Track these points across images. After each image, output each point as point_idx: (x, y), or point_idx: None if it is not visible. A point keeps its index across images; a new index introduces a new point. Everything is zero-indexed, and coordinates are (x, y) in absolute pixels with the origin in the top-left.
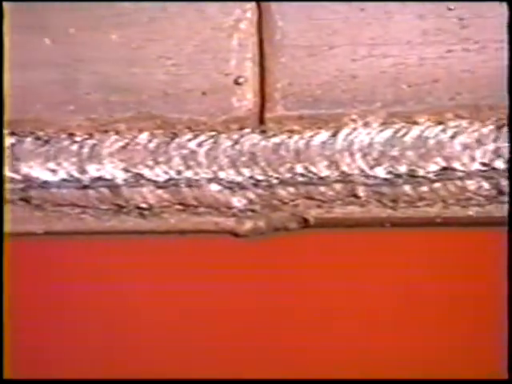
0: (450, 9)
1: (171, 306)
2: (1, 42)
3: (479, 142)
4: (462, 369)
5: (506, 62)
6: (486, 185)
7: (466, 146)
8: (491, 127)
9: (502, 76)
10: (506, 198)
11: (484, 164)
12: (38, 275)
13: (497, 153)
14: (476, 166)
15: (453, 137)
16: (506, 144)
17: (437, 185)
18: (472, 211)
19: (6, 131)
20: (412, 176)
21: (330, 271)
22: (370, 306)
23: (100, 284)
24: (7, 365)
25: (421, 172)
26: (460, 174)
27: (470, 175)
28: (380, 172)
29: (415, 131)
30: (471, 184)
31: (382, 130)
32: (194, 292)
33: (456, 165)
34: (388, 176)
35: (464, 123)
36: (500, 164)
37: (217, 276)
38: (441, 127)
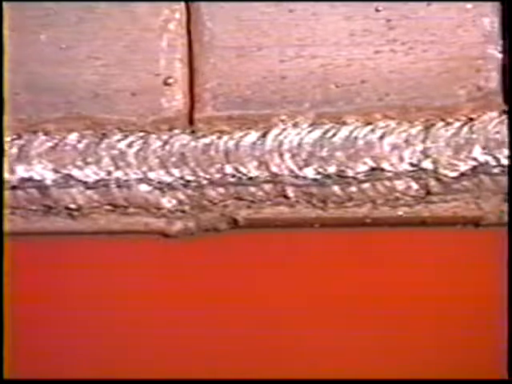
0: (377, 10)
1: (102, 307)
2: (1, 41)
3: (407, 142)
4: (461, 369)
5: (433, 63)
6: (414, 185)
7: (394, 147)
8: (419, 128)
9: (429, 77)
10: (434, 198)
11: (412, 164)
12: (37, 275)
13: (425, 153)
14: (404, 167)
15: (381, 137)
16: (434, 144)
17: (365, 185)
18: (401, 211)
19: None
20: (341, 176)
21: (259, 271)
22: (300, 306)
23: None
24: (7, 365)
25: (350, 172)
26: (389, 174)
27: (398, 175)
28: (309, 172)
29: (344, 132)
30: (400, 184)
31: (311, 131)
32: (124, 293)
33: (385, 165)
34: (317, 176)
35: (392, 124)
36: (428, 164)
37: (146, 276)
38: (369, 128)
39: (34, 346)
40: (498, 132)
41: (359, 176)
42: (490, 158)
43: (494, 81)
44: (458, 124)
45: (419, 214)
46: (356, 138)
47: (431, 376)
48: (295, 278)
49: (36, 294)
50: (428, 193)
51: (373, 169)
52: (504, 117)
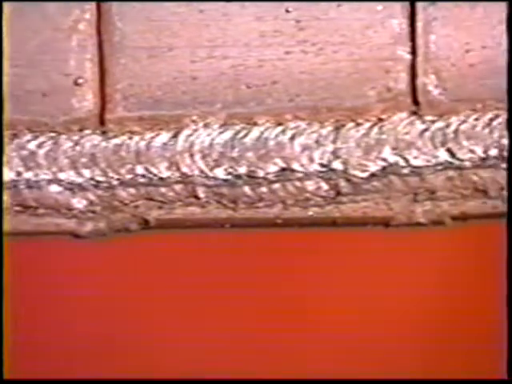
0: (287, 11)
1: (16, 309)
2: (0, 42)
3: (318, 143)
4: (461, 369)
5: (343, 64)
6: (324, 185)
7: (305, 147)
8: (330, 128)
9: (339, 78)
10: (344, 199)
11: (323, 165)
12: (37, 275)
13: (335, 154)
14: (315, 167)
15: (292, 138)
16: (345, 145)
17: (276, 186)
18: (311, 212)
19: None
20: (251, 177)
21: (171, 272)
22: (211, 306)
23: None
24: (7, 365)
25: (260, 173)
26: (299, 174)
27: (308, 176)
28: (220, 173)
29: (255, 132)
30: (310, 185)
31: (222, 132)
32: (36, 295)
33: (295, 166)
34: (228, 177)
35: (303, 124)
36: (338, 165)
37: (57, 277)
38: (280, 128)
39: (34, 346)
40: (407, 133)
41: (270, 176)
42: (399, 159)
43: (403, 82)
44: (368, 125)
45: (329, 215)
46: (267, 138)
47: (431, 376)
48: (206, 278)
49: (36, 294)
50: (338, 193)
51: (283, 169)
52: (413, 117)
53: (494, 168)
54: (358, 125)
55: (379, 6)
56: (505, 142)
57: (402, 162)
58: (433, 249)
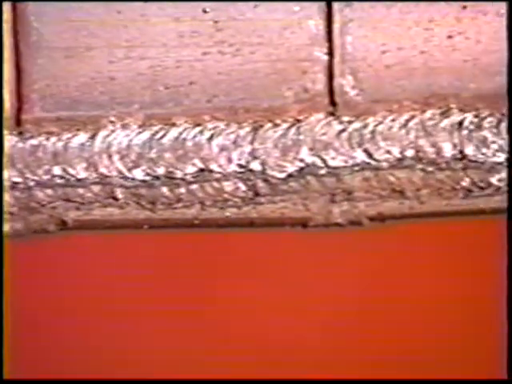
0: (205, 11)
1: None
2: (0, 41)
3: (236, 143)
4: (461, 369)
5: (260, 65)
6: (242, 186)
7: (223, 148)
8: (248, 129)
9: (257, 78)
10: (262, 199)
11: (241, 166)
12: (37, 274)
13: (253, 154)
14: (233, 168)
15: (210, 139)
16: (262, 146)
17: (194, 186)
18: (229, 212)
19: None
20: (170, 178)
21: (89, 272)
22: (126, 308)
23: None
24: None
25: (178, 174)
26: (217, 175)
27: (226, 177)
28: (138, 174)
29: (173, 133)
30: (228, 185)
31: (140, 132)
32: None
33: (213, 166)
34: (146, 178)
35: (221, 125)
36: (256, 165)
37: None
38: (198, 129)
39: (33, 345)
40: (324, 133)
41: (188, 177)
42: (316, 160)
43: (320, 83)
44: (285, 125)
45: (247, 215)
46: (185, 139)
47: (431, 376)
48: (126, 278)
49: (36, 294)
50: (256, 194)
51: (201, 170)
52: (331, 118)
53: (410, 169)
54: (276, 125)
55: (296, 7)
56: (421, 142)
57: (319, 163)
58: (351, 249)
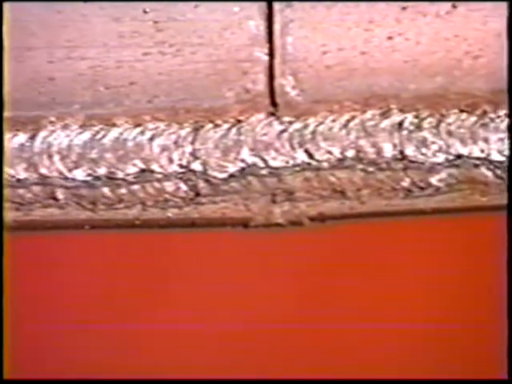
0: (145, 12)
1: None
2: (1, 41)
3: (177, 144)
4: (460, 369)
5: (201, 65)
6: (183, 186)
7: (163, 148)
8: (188, 129)
9: (197, 79)
10: (203, 200)
11: (182, 166)
12: (36, 273)
13: (194, 155)
14: (174, 168)
15: (151, 139)
16: (203, 146)
17: (135, 187)
18: (170, 213)
19: None
20: (111, 178)
21: (32, 273)
22: (61, 308)
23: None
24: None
25: (119, 174)
26: (158, 175)
27: (167, 177)
28: (79, 174)
29: (113, 133)
30: (169, 186)
31: (80, 133)
32: None
33: (154, 167)
34: (87, 178)
35: (162, 125)
36: (197, 166)
37: None
38: (139, 129)
39: (33, 345)
40: (265, 134)
41: (129, 178)
42: (257, 160)
43: (260, 83)
44: (226, 126)
45: (188, 216)
46: (125, 139)
47: (430, 376)
48: (67, 279)
49: (35, 293)
50: (197, 194)
51: (142, 170)
52: (271, 119)
53: (350, 169)
54: (217, 126)
55: (236, 8)
56: (361, 142)
57: (260, 163)
58: (291, 249)
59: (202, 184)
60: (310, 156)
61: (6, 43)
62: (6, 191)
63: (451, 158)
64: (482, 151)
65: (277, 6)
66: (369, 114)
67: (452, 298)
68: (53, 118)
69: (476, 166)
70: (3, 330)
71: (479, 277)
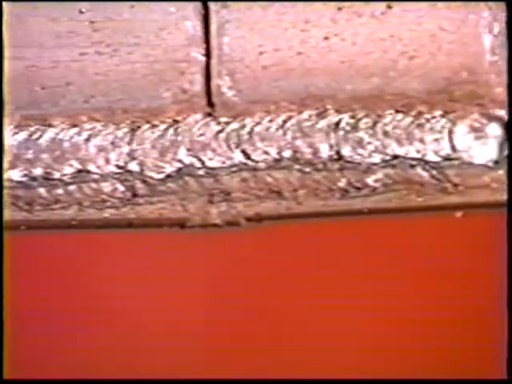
0: (81, 12)
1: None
2: (0, 41)
3: (114, 144)
4: (460, 369)
5: (138, 66)
6: (120, 187)
7: (100, 149)
8: (125, 130)
9: (134, 79)
10: (140, 200)
11: (119, 166)
12: (36, 272)
13: (131, 155)
14: (111, 169)
15: (87, 139)
16: (140, 146)
17: (72, 187)
18: (107, 213)
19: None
20: (47, 179)
21: (29, 275)
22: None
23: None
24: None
25: (56, 175)
26: (95, 176)
27: (104, 178)
28: (15, 175)
29: (50, 134)
30: (106, 186)
31: (16, 133)
32: None
33: (91, 167)
34: (23, 179)
35: (98, 126)
36: (134, 166)
37: None
38: (75, 130)
39: (33, 345)
40: (202, 134)
41: (65, 178)
42: (194, 160)
43: (197, 83)
44: (163, 126)
45: (126, 216)
46: (62, 140)
47: (430, 376)
48: (67, 279)
49: (35, 292)
50: (134, 195)
51: (79, 171)
52: (208, 119)
53: (287, 169)
54: (154, 126)
55: (172, 8)
56: (298, 143)
57: (197, 164)
58: (228, 249)
59: (139, 184)
60: (247, 156)
61: (6, 43)
62: None
63: (387, 158)
64: (418, 152)
65: (213, 6)
66: (305, 115)
67: (396, 298)
68: None
69: (412, 166)
70: (3, 330)
71: (420, 278)
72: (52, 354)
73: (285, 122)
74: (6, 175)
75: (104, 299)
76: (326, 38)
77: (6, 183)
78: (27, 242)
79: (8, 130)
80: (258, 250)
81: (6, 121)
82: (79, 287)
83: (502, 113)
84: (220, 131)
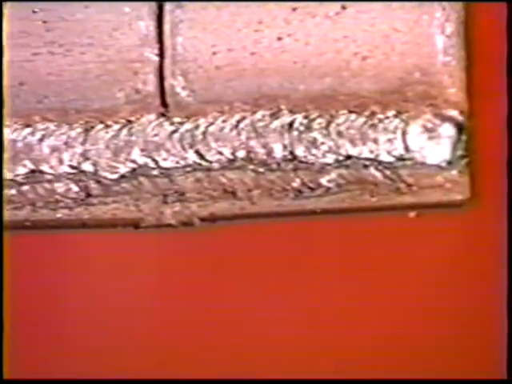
0: (34, 11)
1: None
2: (1, 41)
3: (67, 144)
4: (460, 369)
5: (91, 66)
6: (74, 187)
7: (54, 149)
8: (79, 130)
9: (88, 79)
10: (94, 200)
11: (72, 167)
12: (36, 271)
13: (85, 155)
14: (64, 169)
15: (41, 140)
16: (94, 147)
17: (25, 187)
18: (60, 214)
19: None
20: None
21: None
22: None
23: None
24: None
25: (9, 175)
26: (48, 176)
27: (58, 178)
28: None
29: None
30: (59, 187)
31: None
32: None
33: (44, 167)
34: None
35: (52, 126)
36: (88, 166)
37: None
38: (29, 130)
39: (33, 345)
40: (156, 134)
41: (19, 178)
42: (148, 161)
43: (151, 84)
44: (117, 126)
45: (80, 217)
46: (15, 140)
47: (430, 376)
48: (67, 279)
49: (35, 291)
50: (88, 195)
51: (32, 171)
52: (162, 119)
53: (241, 169)
54: (107, 126)
55: (127, 8)
56: (252, 143)
57: (151, 164)
58: (182, 249)
59: (92, 185)
60: (201, 157)
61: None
62: None
63: (341, 158)
64: (372, 152)
65: (167, 6)
66: (259, 115)
67: (350, 298)
68: None
69: (365, 166)
70: (3, 330)
71: (373, 278)
72: (52, 354)
73: (238, 122)
74: None
75: (56, 299)
76: (280, 39)
77: None
78: (27, 241)
79: None
80: (212, 250)
81: (5, 121)
82: (33, 287)
83: (455, 113)
84: (174, 131)
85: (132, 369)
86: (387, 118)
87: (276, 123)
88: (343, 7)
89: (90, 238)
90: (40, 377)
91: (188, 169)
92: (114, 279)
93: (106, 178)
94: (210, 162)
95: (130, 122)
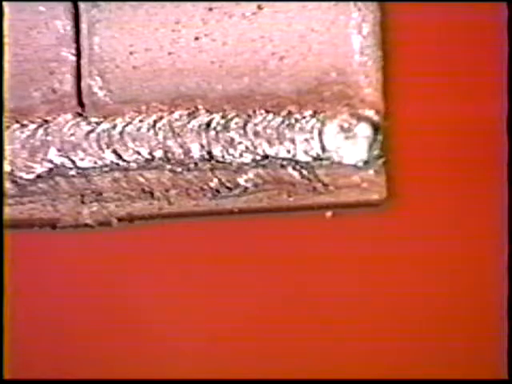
0: None
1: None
2: (1, 41)
3: None
4: (460, 369)
5: (7, 65)
6: None
7: None
8: None
9: (4, 79)
10: (10, 201)
11: None
12: (36, 271)
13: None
14: None
15: None
16: (10, 147)
17: None
18: None
19: None
20: None
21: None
22: None
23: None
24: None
25: None
26: None
27: None
28: None
29: None
30: None
31: None
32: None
33: None
34: None
35: None
36: (5, 167)
37: None
38: None
39: (33, 345)
40: (72, 134)
41: None
42: (65, 160)
43: (67, 83)
44: (33, 126)
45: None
46: None
47: (430, 376)
48: (67, 279)
49: (35, 291)
50: (4, 195)
51: None
52: (79, 119)
53: (159, 169)
54: (23, 126)
55: (42, 7)
56: (169, 143)
57: (68, 164)
58: (99, 250)
59: (8, 185)
60: (118, 156)
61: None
62: None
63: (258, 158)
64: (288, 152)
65: (83, 5)
66: (176, 115)
67: (270, 299)
68: None
69: (282, 166)
70: (3, 330)
71: (291, 278)
72: (52, 354)
73: (156, 122)
74: None
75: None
76: (197, 39)
77: None
78: (27, 241)
79: None
80: (130, 250)
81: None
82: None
83: (371, 113)
84: (91, 131)
85: (130, 369)
86: (304, 117)
87: (193, 123)
88: (259, 7)
89: (90, 238)
90: (40, 377)
91: (105, 169)
92: (113, 279)
93: (22, 178)
94: (128, 162)
95: (46, 121)
